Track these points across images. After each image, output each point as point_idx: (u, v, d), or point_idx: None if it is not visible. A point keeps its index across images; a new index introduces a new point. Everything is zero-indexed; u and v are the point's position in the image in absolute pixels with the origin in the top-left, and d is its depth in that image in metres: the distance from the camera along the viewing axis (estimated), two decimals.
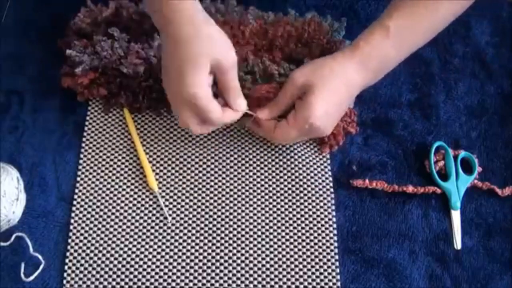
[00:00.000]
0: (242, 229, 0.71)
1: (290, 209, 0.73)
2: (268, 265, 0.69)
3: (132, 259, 0.69)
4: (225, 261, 0.70)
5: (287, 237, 0.71)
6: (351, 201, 0.74)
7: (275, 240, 0.71)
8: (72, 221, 0.71)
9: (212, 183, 0.74)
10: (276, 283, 0.69)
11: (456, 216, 0.74)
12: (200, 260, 0.69)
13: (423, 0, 0.69)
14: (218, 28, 0.66)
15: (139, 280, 0.68)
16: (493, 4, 0.91)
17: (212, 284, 0.68)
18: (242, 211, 0.72)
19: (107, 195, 0.73)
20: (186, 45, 0.64)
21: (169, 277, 0.68)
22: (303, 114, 0.68)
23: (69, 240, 0.70)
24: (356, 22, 0.87)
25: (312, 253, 0.70)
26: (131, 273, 0.68)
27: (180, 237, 0.71)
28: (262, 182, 0.74)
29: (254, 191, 0.74)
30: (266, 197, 0.73)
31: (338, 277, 0.69)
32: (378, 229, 0.73)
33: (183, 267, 0.69)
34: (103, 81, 0.76)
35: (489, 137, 0.80)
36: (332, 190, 0.74)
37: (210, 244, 0.70)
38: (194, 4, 0.65)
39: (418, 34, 0.72)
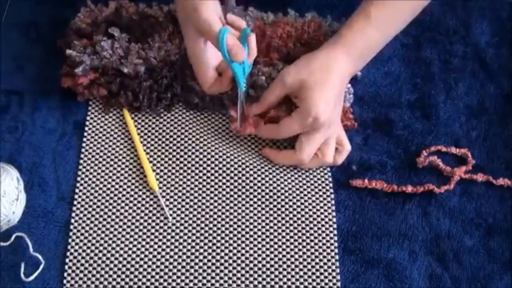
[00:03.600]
0: (242, 229, 0.71)
1: (290, 209, 0.73)
2: (268, 265, 0.69)
3: (133, 259, 0.69)
4: (225, 261, 0.70)
5: (287, 237, 0.71)
6: (351, 201, 0.74)
7: (275, 240, 0.71)
8: (72, 221, 0.71)
9: (212, 183, 0.74)
10: (276, 283, 0.69)
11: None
12: (200, 260, 0.69)
13: None
14: None
15: (139, 280, 0.68)
16: (493, 4, 0.91)
17: (212, 284, 0.68)
18: (242, 211, 0.72)
19: (107, 195, 0.73)
20: None
21: (169, 277, 0.68)
22: (305, 107, 0.69)
23: (69, 240, 0.70)
24: None
25: (312, 253, 0.70)
26: (131, 273, 0.68)
27: (181, 237, 0.71)
28: (263, 182, 0.74)
29: (255, 190, 0.74)
30: (267, 196, 0.73)
31: (338, 277, 0.69)
32: (378, 229, 0.73)
33: (183, 267, 0.69)
34: (103, 81, 0.76)
35: (489, 137, 0.80)
36: (332, 190, 0.74)
37: (210, 244, 0.70)
38: None
39: (399, 17, 0.74)
